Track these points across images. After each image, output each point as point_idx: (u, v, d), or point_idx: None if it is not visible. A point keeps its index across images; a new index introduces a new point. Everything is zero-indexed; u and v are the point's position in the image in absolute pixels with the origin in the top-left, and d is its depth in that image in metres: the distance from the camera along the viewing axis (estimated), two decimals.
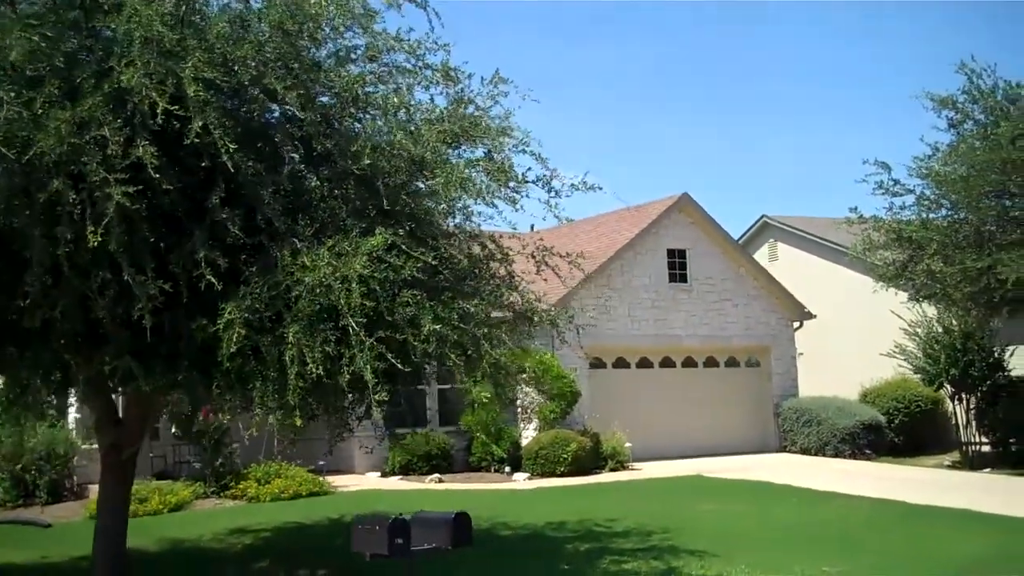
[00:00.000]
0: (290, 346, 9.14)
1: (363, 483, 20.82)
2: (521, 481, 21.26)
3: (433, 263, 10.42)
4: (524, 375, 22.21)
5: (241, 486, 18.72)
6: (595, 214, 28.22)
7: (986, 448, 25.87)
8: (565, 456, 21.61)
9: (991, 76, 21.40)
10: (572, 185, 12.07)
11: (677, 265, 26.03)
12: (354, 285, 9.26)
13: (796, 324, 28.01)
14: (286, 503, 18.13)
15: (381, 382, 9.50)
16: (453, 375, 11.52)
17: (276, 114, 10.87)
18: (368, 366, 9.15)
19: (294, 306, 9.34)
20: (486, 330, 10.20)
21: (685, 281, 26.08)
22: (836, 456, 25.11)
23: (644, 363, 25.71)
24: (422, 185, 10.95)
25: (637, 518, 15.59)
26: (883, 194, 22.51)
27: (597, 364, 24.83)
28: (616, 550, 13.46)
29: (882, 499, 17.70)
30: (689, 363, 26.42)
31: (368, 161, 10.25)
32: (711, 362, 26.82)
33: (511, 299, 12.72)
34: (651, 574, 11.93)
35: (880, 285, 23.67)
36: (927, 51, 64.75)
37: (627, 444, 22.97)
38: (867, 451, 25.23)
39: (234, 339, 9.11)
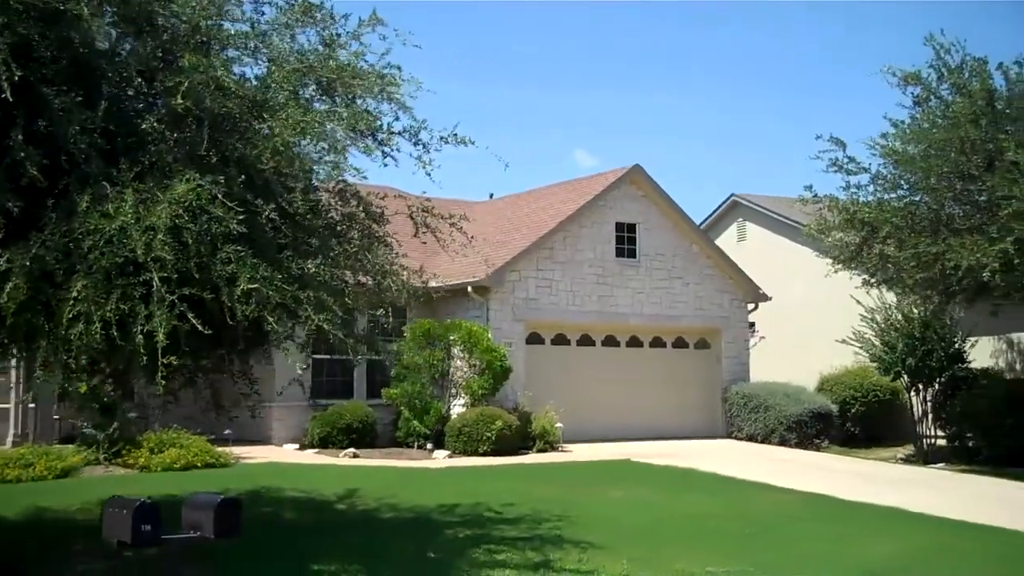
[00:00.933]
0: (72, 302, 8.06)
1: (272, 455, 19.77)
2: (440, 459, 20.22)
3: (273, 216, 9.37)
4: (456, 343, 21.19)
5: (134, 454, 17.67)
6: (544, 185, 27.18)
7: (942, 442, 24.81)
8: (489, 435, 20.57)
9: (959, 52, 20.27)
10: (442, 138, 11.04)
11: (626, 240, 24.89)
12: (159, 236, 8.19)
13: (751, 306, 26.92)
14: (177, 474, 17.05)
15: (185, 344, 8.44)
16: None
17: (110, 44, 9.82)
18: (163, 326, 8.08)
19: (86, 257, 8.27)
20: (311, 293, 9.09)
21: (634, 257, 24.95)
22: (782, 445, 24.08)
23: (586, 340, 24.58)
24: (266, 129, 9.82)
25: (538, 504, 14.52)
26: (836, 172, 21.45)
27: (536, 340, 23.72)
28: (497, 538, 12.38)
29: (811, 493, 16.66)
30: (634, 343, 25.31)
31: (207, 102, 9.20)
32: (658, 342, 25.71)
33: (377, 262, 11.65)
34: (522, 566, 10.87)
35: (834, 268, 22.57)
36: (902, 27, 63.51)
37: (558, 424, 21.90)
38: (817, 440, 24.23)
39: (10, 291, 8.04)
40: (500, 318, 22.81)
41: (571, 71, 69.97)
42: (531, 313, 23.25)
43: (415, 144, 10.95)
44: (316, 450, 20.90)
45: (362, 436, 21.39)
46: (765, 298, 26.77)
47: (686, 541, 12.56)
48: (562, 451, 21.65)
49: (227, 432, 19.87)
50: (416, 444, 21.47)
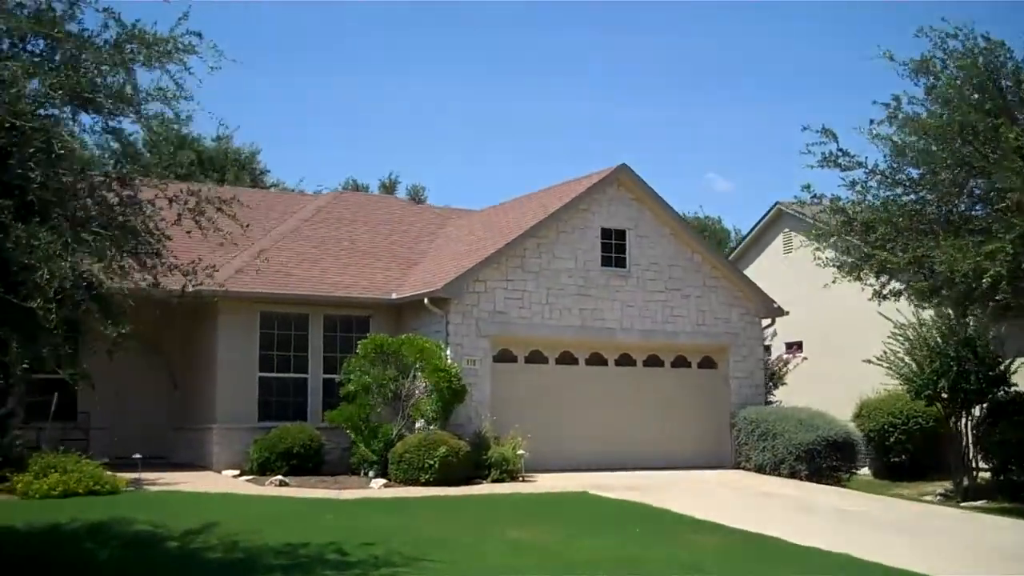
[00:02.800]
0: None
1: (191, 482, 17.94)
2: (375, 489, 18.15)
3: None
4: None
5: (17, 478, 16.10)
6: (536, 191, 25.06)
7: (986, 475, 21.79)
8: (431, 463, 18.45)
9: (969, 38, 17.51)
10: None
11: (614, 248, 22.53)
12: None
13: (767, 322, 24.23)
14: (52, 501, 15.40)
15: None
16: None
17: None
18: None
19: None
20: None
21: (623, 266, 22.55)
22: (792, 476, 21.37)
23: (567, 359, 22.24)
24: None
25: (408, 544, 12.42)
26: (829, 167, 18.89)
27: (505, 357, 21.50)
28: None
29: (764, 536, 14.19)
30: (626, 361, 22.85)
31: None
32: (654, 361, 23.19)
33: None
34: None
35: (836, 279, 19.90)
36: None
37: (520, 452, 19.63)
38: (838, 472, 21.47)
39: None
40: (461, 333, 20.70)
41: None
42: (499, 328, 21.07)
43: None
44: (251, 477, 19.08)
45: (304, 461, 19.47)
46: (780, 312, 24.07)
47: None
48: (523, 481, 19.37)
49: (136, 455, 18.23)
50: (363, 471, 19.48)
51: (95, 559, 11.76)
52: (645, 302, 22.64)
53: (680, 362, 23.45)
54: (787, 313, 24.18)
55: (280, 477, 18.53)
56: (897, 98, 17.62)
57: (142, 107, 10.36)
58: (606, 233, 22.42)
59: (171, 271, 12.07)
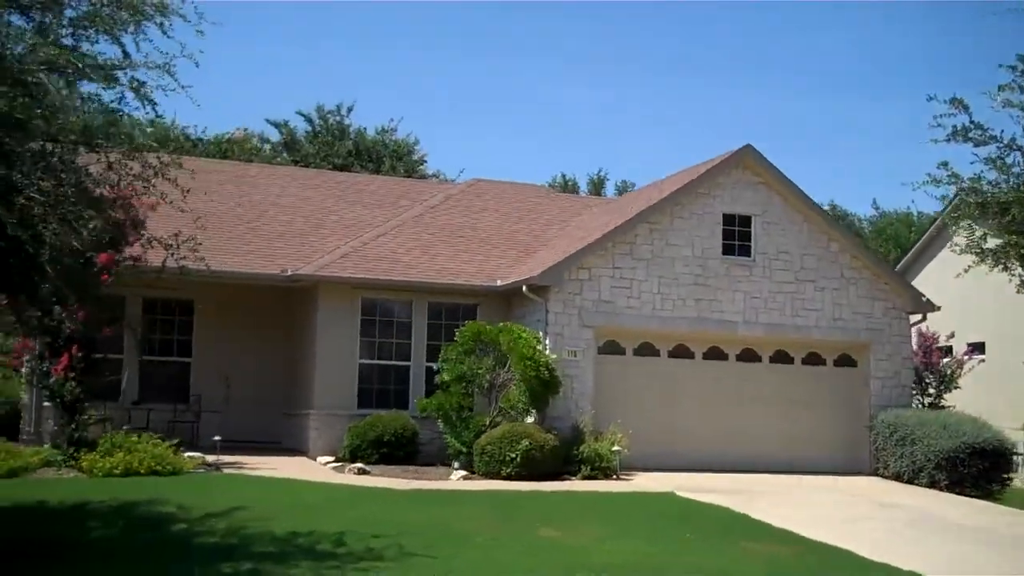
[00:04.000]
0: None
1: (273, 467, 17.59)
2: (452, 480, 17.38)
3: None
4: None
5: (84, 457, 16.23)
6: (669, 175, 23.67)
7: None
8: (512, 456, 17.53)
9: None
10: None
11: (737, 235, 20.94)
12: None
13: (917, 317, 22.01)
14: (112, 479, 15.40)
15: None
16: None
17: None
18: None
19: None
20: None
21: (747, 255, 20.92)
22: (931, 486, 19.29)
23: (681, 352, 20.80)
24: None
25: (417, 540, 11.63)
26: (959, 141, 16.82)
27: (612, 349, 20.31)
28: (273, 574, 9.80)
29: (834, 548, 12.68)
30: (749, 356, 21.18)
31: None
32: (782, 357, 21.39)
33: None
34: None
35: (971, 266, 17.74)
36: None
37: (616, 448, 18.41)
38: (985, 483, 19.23)
39: None
40: (562, 322, 19.66)
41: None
42: (604, 318, 19.91)
43: None
44: (339, 464, 18.67)
45: (395, 450, 18.92)
46: (932, 307, 21.82)
47: None
48: (616, 479, 18.15)
49: (216, 439, 18.12)
50: (454, 463, 18.76)
51: (85, 538, 11.49)
52: (772, 293, 20.95)
53: (813, 359, 21.58)
54: (938, 308, 21.92)
55: (360, 465, 18.03)
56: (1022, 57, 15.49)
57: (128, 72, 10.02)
58: (728, 219, 20.86)
59: (151, 244, 11.71)
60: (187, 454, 17.32)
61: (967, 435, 19.36)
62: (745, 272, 20.84)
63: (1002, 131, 16.56)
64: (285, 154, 37.25)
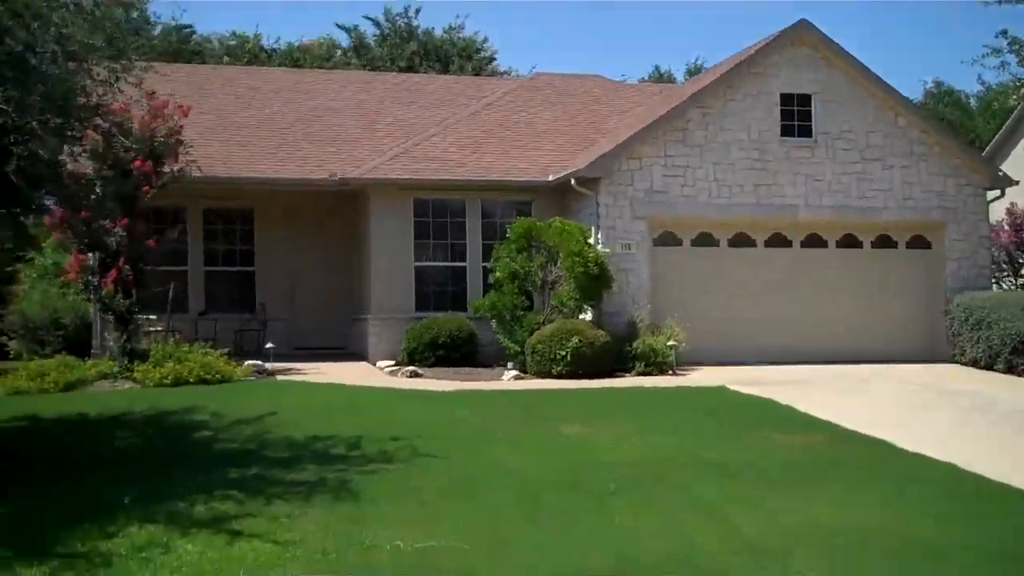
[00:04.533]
0: None
1: (327, 372, 17.64)
2: (504, 381, 17.21)
3: None
4: None
5: (137, 368, 16.51)
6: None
7: None
8: (563, 354, 17.26)
9: None
10: None
11: (796, 115, 20.01)
12: None
13: (993, 193, 20.87)
14: (162, 389, 15.59)
15: None
16: None
17: None
18: None
19: None
20: None
21: (808, 135, 20.01)
22: (1009, 371, 18.46)
23: (742, 241, 20.12)
24: None
25: (432, 441, 11.51)
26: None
27: (668, 241, 19.76)
28: (275, 479, 9.78)
29: (874, 439, 12.13)
30: (814, 242, 20.40)
31: None
32: (850, 241, 20.56)
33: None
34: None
35: None
36: None
37: (671, 343, 17.98)
38: None
39: None
40: (613, 215, 19.17)
41: None
42: (657, 208, 19.34)
43: None
44: (395, 367, 18.68)
45: (452, 351, 18.84)
46: (1010, 181, 20.65)
47: (491, 500, 9.16)
48: (672, 374, 17.75)
49: (269, 346, 18.29)
50: (508, 363, 18.61)
51: (106, 448, 11.65)
52: (836, 175, 20.07)
53: (883, 242, 20.71)
54: (1017, 183, 20.73)
55: (413, 368, 18.03)
56: None
57: None
58: (786, 99, 19.94)
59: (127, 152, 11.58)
60: (248, 362, 17.51)
61: None
62: (806, 153, 19.97)
63: None
64: (356, 60, 36.88)
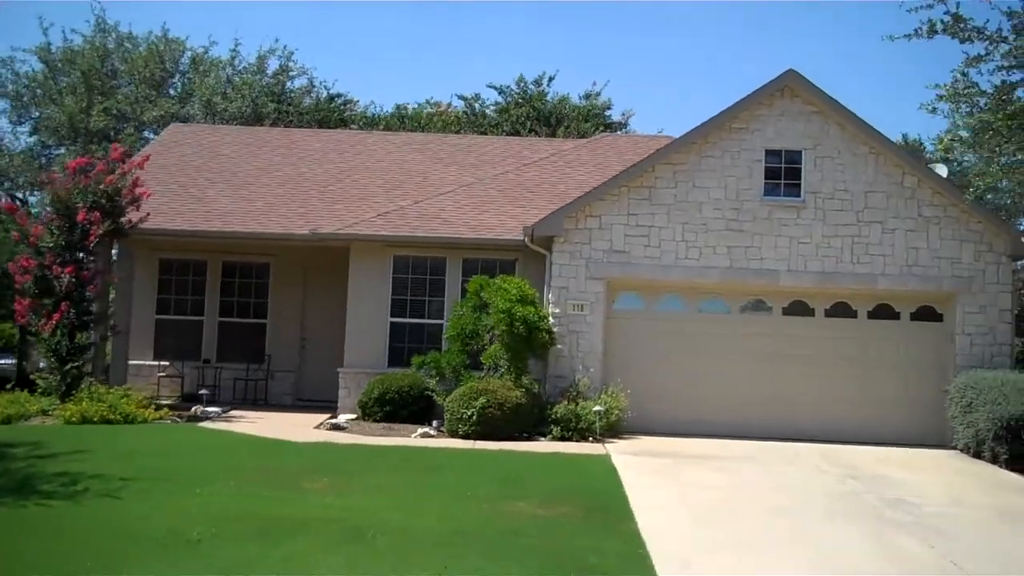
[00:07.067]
0: None
1: (252, 420, 17.90)
2: (411, 439, 16.67)
3: None
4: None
5: (61, 407, 17.29)
6: None
7: None
8: (468, 414, 16.62)
9: None
10: None
11: (784, 173, 18.52)
12: None
13: (1020, 263, 18.44)
14: (64, 427, 16.31)
15: None
16: None
17: None
18: None
19: None
20: None
21: (795, 195, 18.45)
22: (994, 460, 16.20)
23: (712, 306, 18.64)
24: None
25: (169, 481, 11.48)
26: (941, 34, 14.00)
27: (628, 303, 18.67)
28: None
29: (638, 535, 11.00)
30: (798, 310, 18.67)
31: None
32: (841, 310, 18.65)
33: None
34: None
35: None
36: None
37: (596, 408, 16.93)
38: None
39: None
40: (567, 275, 18.37)
41: None
42: (617, 269, 18.35)
43: None
44: (356, 420, 18.56)
45: (399, 408, 18.44)
46: None
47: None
48: (593, 441, 16.69)
49: (202, 392, 18.70)
50: (433, 421, 18.09)
51: None
52: (826, 237, 18.38)
53: (882, 312, 18.68)
54: None
55: (336, 422, 17.87)
56: None
57: None
58: (772, 155, 18.51)
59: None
60: (199, 408, 18.04)
61: None
62: (791, 215, 18.43)
63: (986, 20, 13.58)
64: (467, 127, 37.05)
